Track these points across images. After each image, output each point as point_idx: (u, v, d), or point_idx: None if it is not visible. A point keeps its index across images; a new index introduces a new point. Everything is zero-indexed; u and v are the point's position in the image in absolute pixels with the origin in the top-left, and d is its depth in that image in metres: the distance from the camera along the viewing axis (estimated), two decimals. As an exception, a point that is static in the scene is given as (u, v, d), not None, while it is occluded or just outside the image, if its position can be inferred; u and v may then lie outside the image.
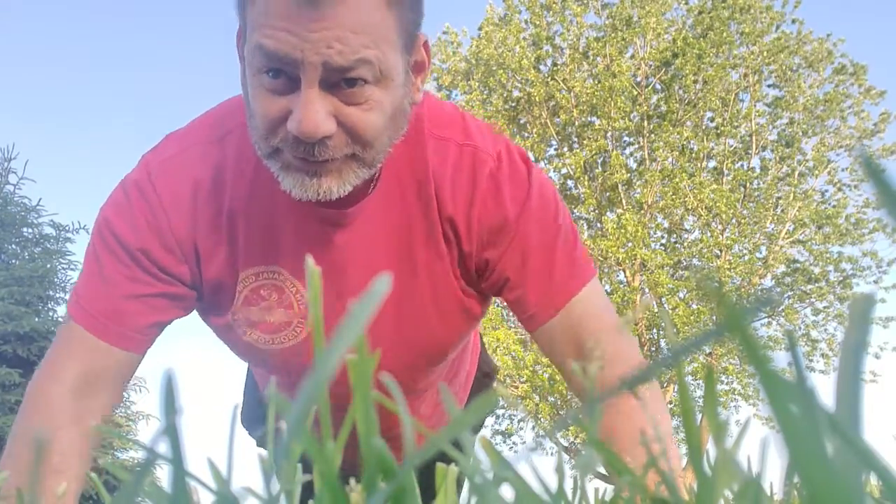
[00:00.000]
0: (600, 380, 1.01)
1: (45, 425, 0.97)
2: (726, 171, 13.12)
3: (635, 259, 12.31)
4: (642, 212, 12.74)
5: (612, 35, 12.84)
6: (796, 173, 12.70)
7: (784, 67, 12.75)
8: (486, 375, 1.52)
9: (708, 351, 12.18)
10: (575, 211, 13.42)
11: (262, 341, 1.06)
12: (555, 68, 13.17)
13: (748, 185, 12.94)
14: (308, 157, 0.86)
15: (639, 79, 13.21)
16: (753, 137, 13.06)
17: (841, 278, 12.49)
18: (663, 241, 13.52)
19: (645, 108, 12.97)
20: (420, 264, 1.03)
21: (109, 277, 1.00)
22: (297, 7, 0.80)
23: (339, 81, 0.82)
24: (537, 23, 13.23)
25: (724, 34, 12.68)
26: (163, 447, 0.24)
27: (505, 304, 1.12)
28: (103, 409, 1.02)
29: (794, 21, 12.82)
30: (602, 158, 13.12)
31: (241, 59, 0.91)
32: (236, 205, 1.00)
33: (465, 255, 1.04)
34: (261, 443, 1.42)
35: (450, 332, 1.10)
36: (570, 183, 13.47)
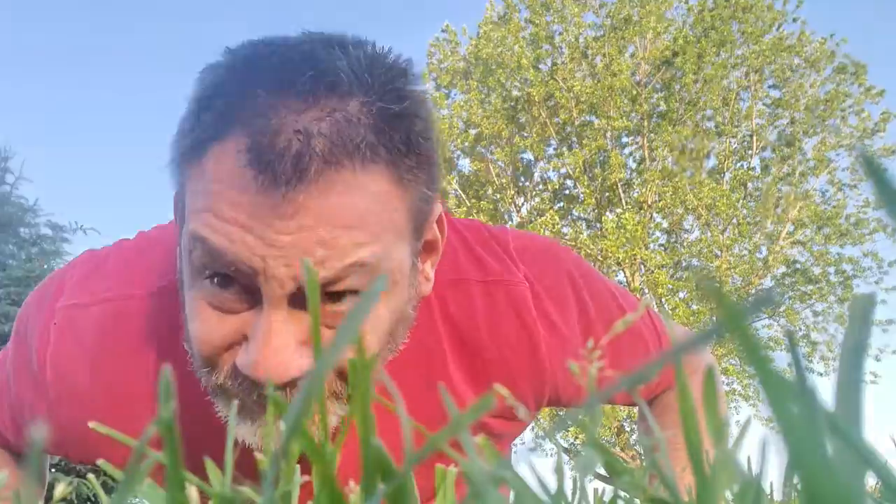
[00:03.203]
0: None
1: None
2: (726, 171, 13.14)
3: (635, 259, 12.32)
4: (642, 212, 12.76)
5: (612, 34, 12.86)
6: (797, 173, 12.71)
7: (785, 67, 12.77)
8: None
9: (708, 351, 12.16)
10: (574, 211, 13.44)
11: None
12: (554, 67, 13.18)
13: (747, 184, 12.95)
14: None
15: (638, 78, 13.22)
16: (754, 137, 13.07)
17: (841, 279, 12.49)
18: (663, 241, 13.54)
19: (645, 107, 12.98)
20: None
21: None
22: (259, 192, 0.54)
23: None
24: (537, 22, 13.25)
25: (726, 33, 12.69)
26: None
27: None
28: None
29: (795, 20, 12.84)
30: (601, 158, 13.13)
31: (176, 223, 0.65)
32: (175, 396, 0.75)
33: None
34: None
35: None
36: (569, 182, 13.49)
